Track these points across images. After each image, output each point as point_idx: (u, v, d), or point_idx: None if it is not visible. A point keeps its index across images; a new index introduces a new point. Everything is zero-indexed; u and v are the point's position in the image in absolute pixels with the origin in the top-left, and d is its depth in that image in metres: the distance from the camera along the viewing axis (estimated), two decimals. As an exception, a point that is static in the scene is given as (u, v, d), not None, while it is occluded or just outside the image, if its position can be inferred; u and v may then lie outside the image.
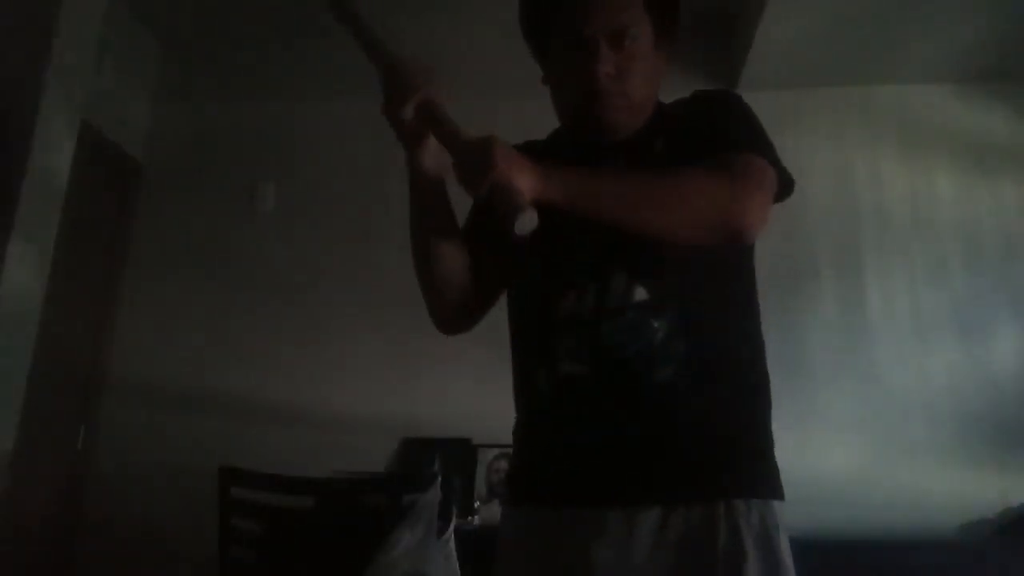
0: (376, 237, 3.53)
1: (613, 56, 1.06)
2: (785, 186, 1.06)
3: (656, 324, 0.98)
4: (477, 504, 3.02)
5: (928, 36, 3.20)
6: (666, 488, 0.96)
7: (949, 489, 2.91)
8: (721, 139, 1.05)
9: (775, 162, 1.04)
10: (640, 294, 1.00)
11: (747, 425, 1.03)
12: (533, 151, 0.99)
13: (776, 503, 0.99)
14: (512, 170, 0.89)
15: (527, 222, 0.87)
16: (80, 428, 3.28)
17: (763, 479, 1.00)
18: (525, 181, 0.89)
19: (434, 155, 1.03)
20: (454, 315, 1.16)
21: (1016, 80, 3.46)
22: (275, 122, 3.76)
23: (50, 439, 3.05)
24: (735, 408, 1.02)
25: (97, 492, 3.26)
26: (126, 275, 3.57)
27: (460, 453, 3.14)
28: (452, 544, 2.11)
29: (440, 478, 2.17)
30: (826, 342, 3.24)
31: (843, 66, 3.42)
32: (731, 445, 1.00)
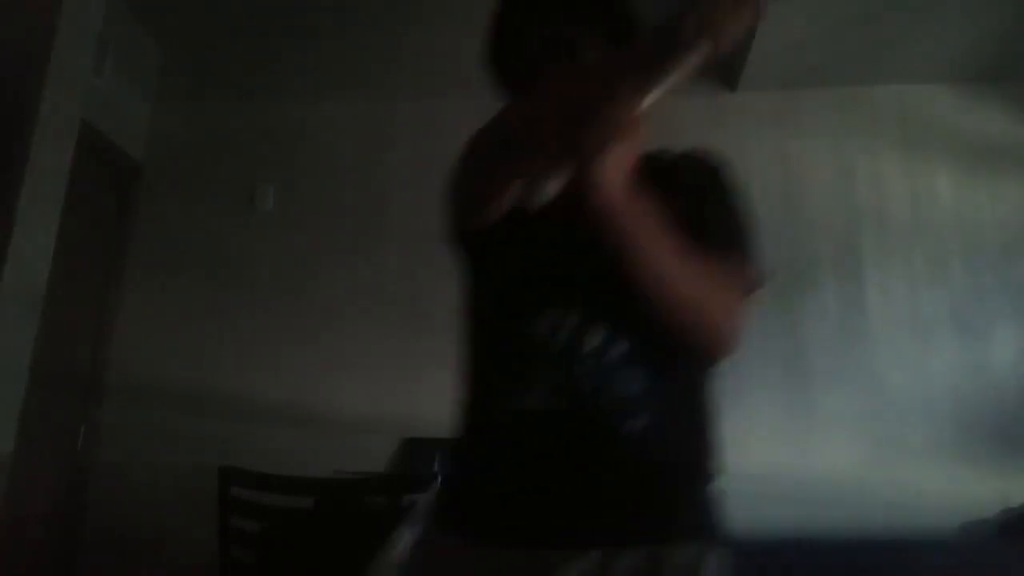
0: (376, 237, 3.54)
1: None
2: (756, 288, 1.05)
3: (634, 376, 0.98)
4: (477, 504, 3.01)
5: (928, 36, 3.21)
6: (614, 532, 0.94)
7: (949, 489, 2.91)
8: (722, 234, 1.03)
9: (758, 268, 1.04)
10: (622, 344, 0.98)
11: (703, 478, 1.03)
12: None
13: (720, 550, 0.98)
14: (613, 151, 0.85)
15: (545, 192, 0.85)
16: (80, 428, 3.28)
17: (712, 527, 1.00)
18: (614, 171, 0.86)
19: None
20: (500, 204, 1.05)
21: (1016, 80, 3.46)
22: (275, 123, 3.77)
23: (50, 439, 3.05)
24: (695, 462, 1.02)
25: (97, 492, 3.26)
26: (126, 275, 3.57)
27: (460, 453, 3.13)
28: (452, 544, 2.11)
29: (440, 478, 2.16)
30: (826, 342, 3.24)
31: (843, 66, 3.42)
32: (683, 496, 0.99)
